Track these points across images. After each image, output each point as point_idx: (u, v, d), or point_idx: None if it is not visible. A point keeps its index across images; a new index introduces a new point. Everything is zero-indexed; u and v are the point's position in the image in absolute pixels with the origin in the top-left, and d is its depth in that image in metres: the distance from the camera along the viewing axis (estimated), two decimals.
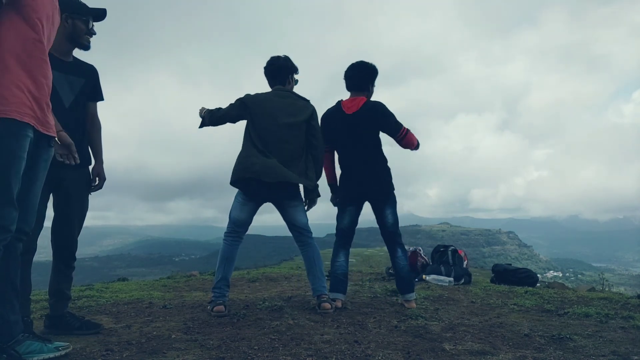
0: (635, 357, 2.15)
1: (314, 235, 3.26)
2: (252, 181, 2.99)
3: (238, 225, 3.12)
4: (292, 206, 3.15)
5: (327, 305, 3.02)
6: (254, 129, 3.09)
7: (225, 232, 3.15)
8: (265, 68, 3.29)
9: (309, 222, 3.28)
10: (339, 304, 3.22)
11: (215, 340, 2.33)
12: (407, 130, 3.34)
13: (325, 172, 3.50)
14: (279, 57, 3.27)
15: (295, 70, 3.30)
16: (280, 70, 3.25)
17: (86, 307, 3.23)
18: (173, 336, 2.42)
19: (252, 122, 3.11)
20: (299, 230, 3.18)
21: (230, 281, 3.13)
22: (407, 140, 3.34)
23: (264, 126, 3.07)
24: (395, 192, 3.38)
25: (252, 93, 3.22)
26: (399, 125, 3.32)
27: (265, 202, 3.20)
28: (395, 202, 3.37)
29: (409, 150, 3.45)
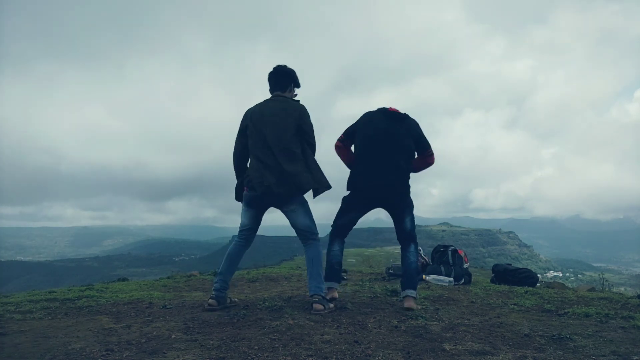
0: (636, 357, 2.15)
1: None
2: (264, 195, 3.09)
3: (242, 228, 3.29)
4: (290, 210, 3.17)
5: (319, 306, 3.02)
6: (252, 140, 3.16)
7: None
8: (270, 74, 3.29)
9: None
10: (335, 294, 3.22)
11: (215, 340, 2.33)
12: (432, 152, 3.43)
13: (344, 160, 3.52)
14: (285, 65, 3.30)
15: (297, 82, 3.30)
16: (285, 76, 3.26)
17: (86, 307, 3.23)
18: (173, 336, 2.42)
19: (251, 135, 3.19)
20: (301, 233, 3.21)
21: (228, 279, 3.20)
22: (432, 159, 3.43)
23: (263, 136, 3.11)
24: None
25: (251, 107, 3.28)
26: (429, 144, 3.39)
27: (268, 207, 3.26)
28: (412, 207, 3.38)
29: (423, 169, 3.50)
